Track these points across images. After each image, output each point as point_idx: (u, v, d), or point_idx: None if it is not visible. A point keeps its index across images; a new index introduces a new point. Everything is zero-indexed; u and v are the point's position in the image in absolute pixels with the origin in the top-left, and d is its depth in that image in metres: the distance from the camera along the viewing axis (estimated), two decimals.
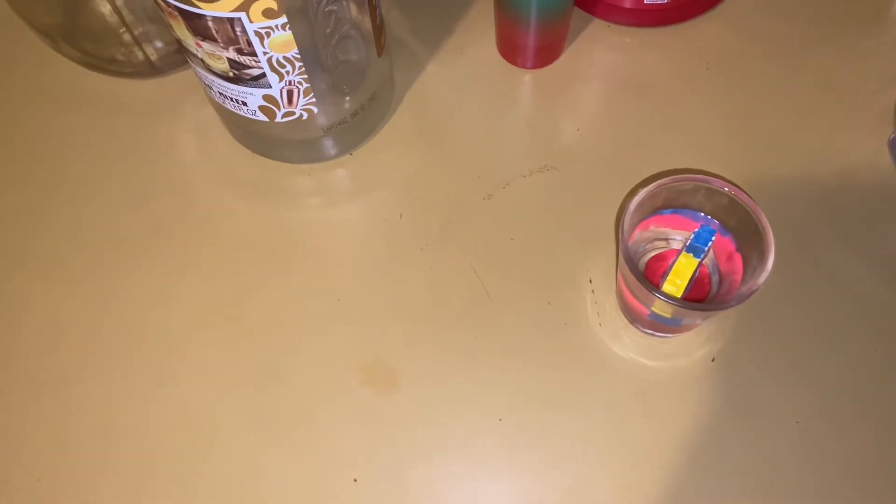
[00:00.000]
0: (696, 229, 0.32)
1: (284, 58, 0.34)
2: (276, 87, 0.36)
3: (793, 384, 0.36)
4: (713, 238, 0.32)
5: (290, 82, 0.36)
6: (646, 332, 0.38)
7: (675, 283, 0.32)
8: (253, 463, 0.36)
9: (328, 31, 0.35)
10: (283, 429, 0.37)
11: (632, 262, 0.32)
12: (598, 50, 0.47)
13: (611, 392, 0.37)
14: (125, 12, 0.41)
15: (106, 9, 0.41)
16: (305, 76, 0.36)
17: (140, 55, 0.44)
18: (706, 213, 0.34)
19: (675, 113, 0.44)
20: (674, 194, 0.34)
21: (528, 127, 0.45)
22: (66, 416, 0.37)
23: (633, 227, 0.34)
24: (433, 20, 0.49)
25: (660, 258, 0.36)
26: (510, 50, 0.46)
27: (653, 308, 0.33)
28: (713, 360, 0.37)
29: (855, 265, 0.39)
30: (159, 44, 0.44)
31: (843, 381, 0.36)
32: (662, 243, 0.37)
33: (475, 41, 0.48)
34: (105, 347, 0.39)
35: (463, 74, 0.47)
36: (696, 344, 0.38)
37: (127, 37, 0.42)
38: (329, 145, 0.42)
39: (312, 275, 0.41)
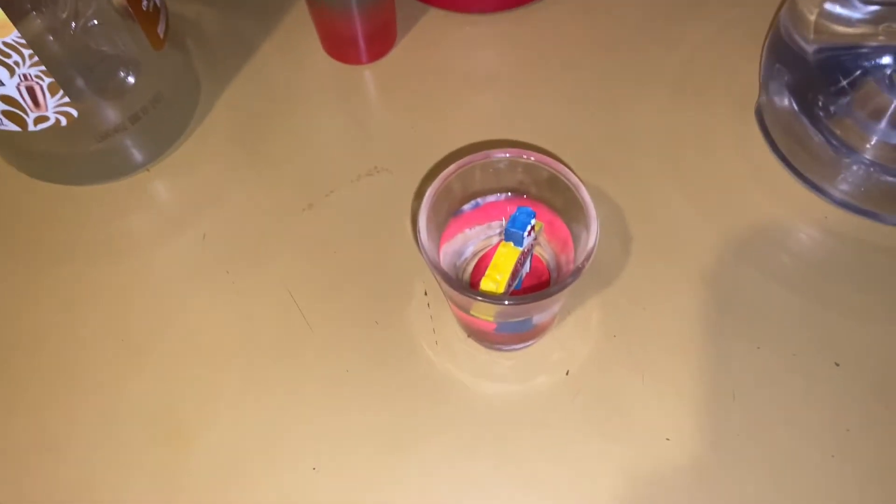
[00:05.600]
0: (513, 213, 0.27)
1: (5, 43, 0.28)
2: (9, 84, 0.29)
3: (667, 395, 0.31)
4: (532, 220, 0.26)
5: (25, 76, 0.29)
6: (494, 349, 0.32)
7: (495, 279, 0.26)
8: None
9: (64, 14, 0.29)
10: None
11: (436, 265, 0.26)
12: (435, 40, 0.42)
13: (453, 424, 0.30)
14: None
15: None
16: (44, 69, 0.29)
17: None
18: (531, 197, 0.29)
19: (519, 104, 0.39)
20: (492, 177, 0.29)
21: (358, 128, 0.39)
22: None
23: (442, 224, 0.28)
24: (251, 20, 0.43)
25: (487, 257, 0.30)
26: (334, 45, 0.41)
27: (472, 312, 0.27)
28: (567, 373, 0.31)
29: (725, 255, 0.34)
30: None
31: (723, 383, 0.31)
32: (496, 238, 0.31)
33: (300, 40, 0.42)
34: None
35: (286, 76, 0.41)
36: (547, 354, 0.32)
37: None
38: (114, 159, 0.36)
39: (100, 317, 0.34)
